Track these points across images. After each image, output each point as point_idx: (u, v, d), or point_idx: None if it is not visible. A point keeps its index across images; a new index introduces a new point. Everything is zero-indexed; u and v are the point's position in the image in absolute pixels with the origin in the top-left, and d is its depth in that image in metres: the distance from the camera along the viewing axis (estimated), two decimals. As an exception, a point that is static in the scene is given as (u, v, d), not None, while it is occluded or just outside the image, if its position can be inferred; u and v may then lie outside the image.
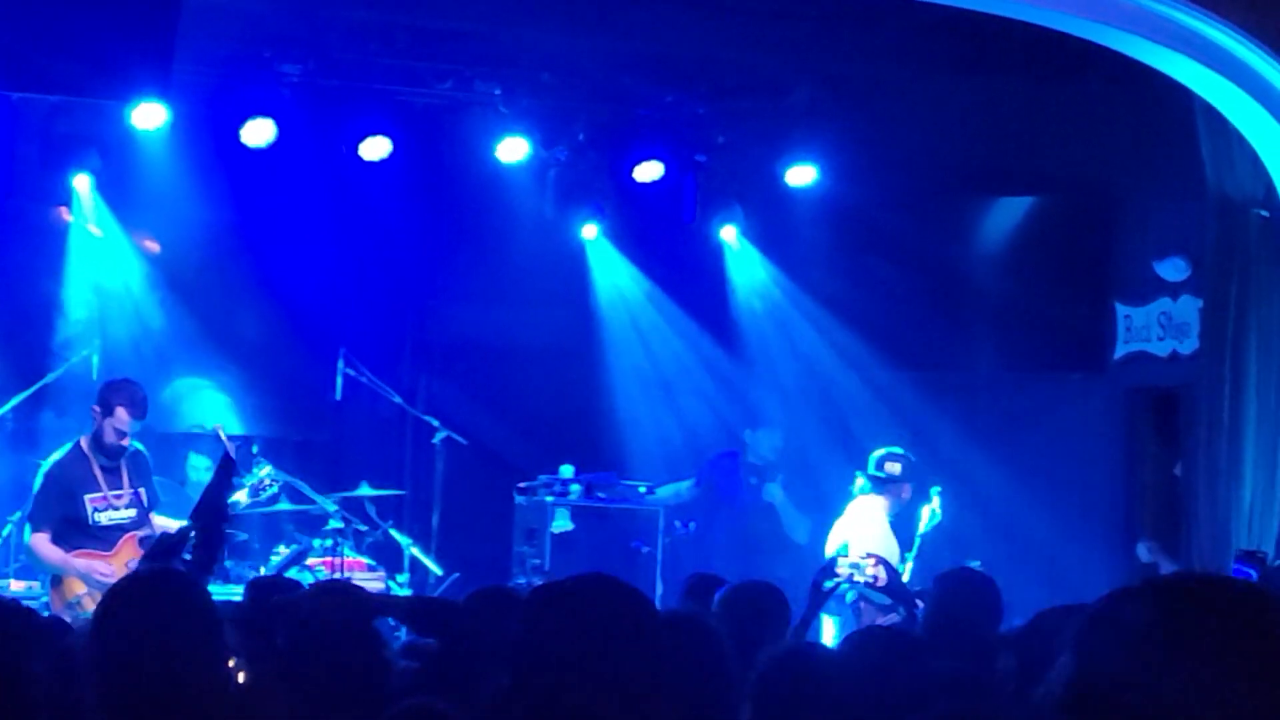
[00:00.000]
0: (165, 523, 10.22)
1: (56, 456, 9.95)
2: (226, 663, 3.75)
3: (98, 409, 9.85)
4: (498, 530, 12.26)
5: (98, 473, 9.85)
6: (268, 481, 10.50)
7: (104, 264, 12.52)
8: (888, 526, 10.62)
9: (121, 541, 9.82)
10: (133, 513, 9.91)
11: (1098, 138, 12.50)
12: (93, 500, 9.80)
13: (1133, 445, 12.59)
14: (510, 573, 11.88)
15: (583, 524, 11.89)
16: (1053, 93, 12.36)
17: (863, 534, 10.60)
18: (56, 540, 9.74)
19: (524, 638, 3.04)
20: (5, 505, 11.29)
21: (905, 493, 10.76)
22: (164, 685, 3.60)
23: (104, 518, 9.82)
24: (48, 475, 9.84)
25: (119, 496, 9.88)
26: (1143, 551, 11.50)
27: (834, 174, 12.89)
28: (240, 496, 10.41)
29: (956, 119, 12.66)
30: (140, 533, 9.92)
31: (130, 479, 9.94)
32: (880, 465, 10.80)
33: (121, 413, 9.78)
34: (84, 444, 9.90)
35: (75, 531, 9.77)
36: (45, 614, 10.22)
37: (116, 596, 3.86)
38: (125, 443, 9.85)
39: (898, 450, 10.87)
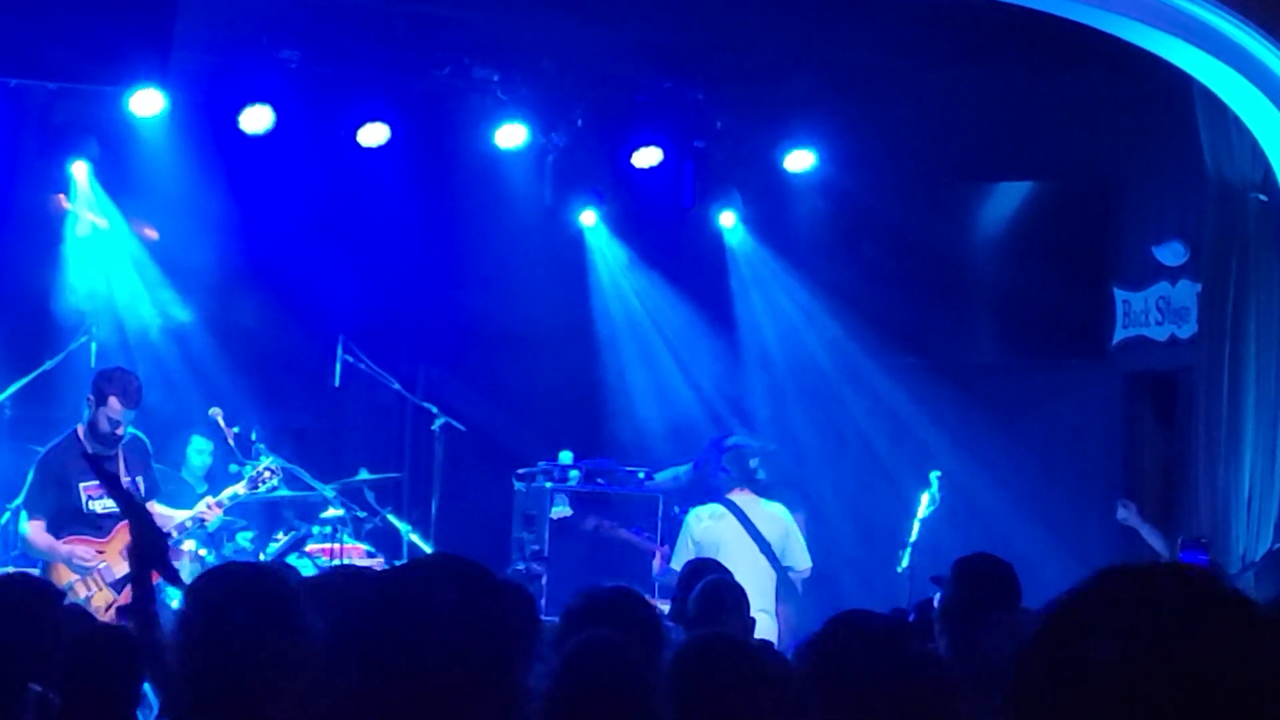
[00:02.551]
0: (164, 511, 10.22)
1: (52, 444, 9.96)
2: (305, 646, 3.85)
3: (91, 398, 9.85)
4: (497, 516, 12.28)
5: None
6: (268, 474, 10.50)
7: (102, 251, 12.51)
8: None
9: (116, 529, 9.82)
10: None
11: (1095, 123, 12.50)
12: (87, 488, 9.80)
13: (1132, 430, 12.59)
14: (509, 559, 11.90)
15: (581, 510, 11.90)
16: (1051, 78, 12.35)
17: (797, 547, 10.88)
18: (51, 528, 9.75)
19: (368, 625, 3.07)
20: (3, 494, 11.29)
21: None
22: (246, 672, 3.77)
23: (98, 505, 9.81)
24: (42, 463, 9.86)
25: None
26: (1121, 513, 11.50)
27: (832, 160, 12.89)
28: (239, 488, 10.42)
29: (955, 105, 12.66)
30: None
31: (127, 467, 9.94)
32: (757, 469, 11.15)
33: (114, 402, 9.78)
34: (80, 432, 9.90)
35: (70, 519, 9.77)
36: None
37: (198, 593, 4.03)
38: (119, 431, 9.84)
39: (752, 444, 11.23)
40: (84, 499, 9.80)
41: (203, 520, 10.25)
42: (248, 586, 3.94)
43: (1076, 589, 1.74)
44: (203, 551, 10.79)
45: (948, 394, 12.89)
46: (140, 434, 10.16)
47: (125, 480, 9.91)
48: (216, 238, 12.57)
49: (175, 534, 10.09)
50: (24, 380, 11.56)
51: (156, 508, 10.13)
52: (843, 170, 12.95)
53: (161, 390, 12.03)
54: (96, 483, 9.81)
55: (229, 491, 10.38)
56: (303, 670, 3.77)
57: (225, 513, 10.52)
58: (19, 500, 10.04)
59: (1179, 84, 10.70)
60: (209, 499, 10.37)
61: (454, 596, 3.03)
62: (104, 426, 9.80)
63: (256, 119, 11.62)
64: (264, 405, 12.46)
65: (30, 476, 9.86)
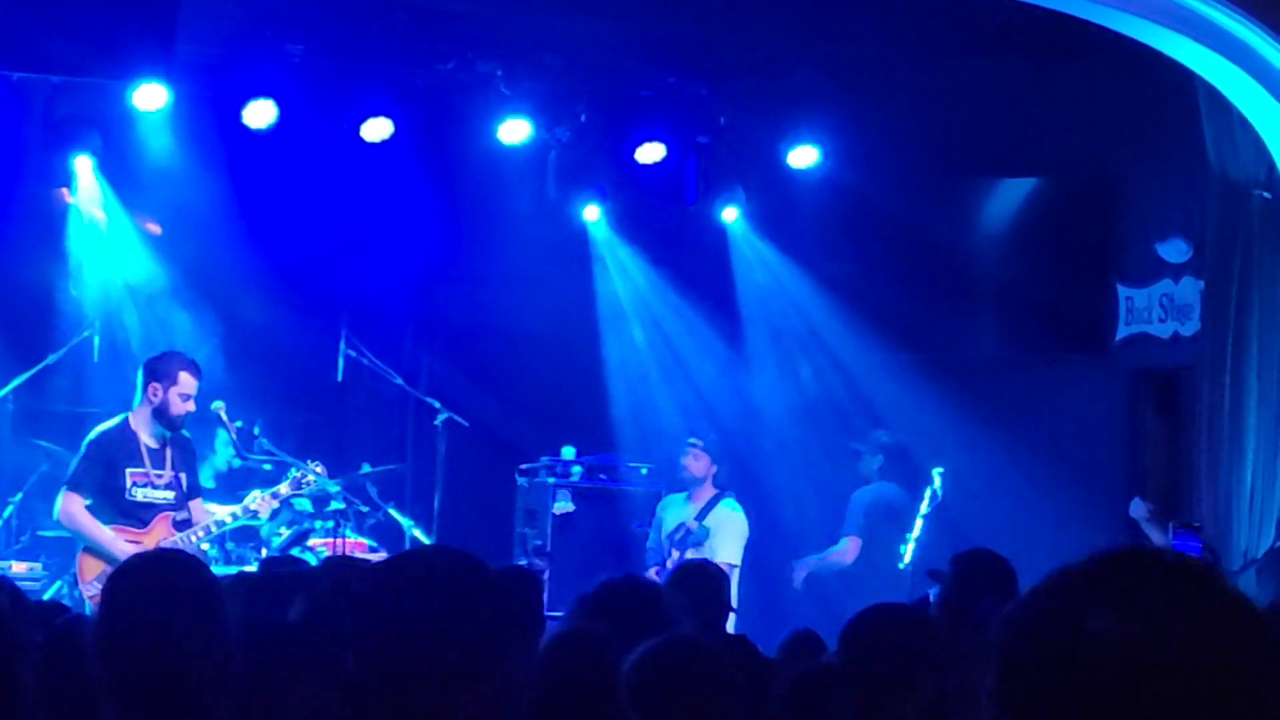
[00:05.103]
0: (204, 508, 10.21)
1: (104, 427, 9.90)
2: (227, 641, 3.81)
3: (157, 384, 9.77)
4: (499, 511, 12.28)
5: (144, 450, 9.83)
6: (310, 479, 10.50)
7: (105, 245, 12.51)
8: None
9: (156, 520, 9.80)
10: (170, 495, 9.88)
11: (1099, 119, 12.49)
12: (134, 474, 9.76)
13: (1134, 427, 12.58)
14: (512, 554, 11.90)
15: (584, 505, 11.91)
16: (1054, 74, 12.35)
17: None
18: (92, 511, 9.70)
19: (362, 615, 3.08)
20: (6, 487, 11.29)
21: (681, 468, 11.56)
22: (166, 664, 3.69)
23: (141, 494, 9.78)
24: (93, 443, 9.79)
25: (160, 475, 9.85)
26: (1136, 508, 11.48)
27: (836, 156, 12.88)
28: (283, 488, 10.39)
29: (959, 100, 12.65)
30: (176, 515, 9.90)
31: (174, 462, 9.92)
32: None
33: (185, 377, 9.76)
34: (133, 421, 9.86)
35: (110, 505, 9.72)
36: (45, 593, 10.27)
37: (121, 577, 3.96)
38: (191, 407, 9.83)
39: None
40: (129, 485, 9.76)
41: (256, 513, 10.23)
42: (168, 577, 3.88)
43: (1074, 563, 1.73)
44: (205, 546, 10.77)
45: (951, 390, 12.88)
46: (187, 433, 10.15)
47: (169, 475, 9.89)
48: (219, 232, 12.55)
49: (214, 529, 10.06)
50: (26, 374, 11.56)
51: (199, 504, 10.13)
52: (846, 166, 12.94)
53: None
54: (143, 470, 9.78)
55: (273, 490, 10.37)
56: (224, 662, 3.75)
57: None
58: (68, 474, 9.91)
59: (1183, 80, 10.69)
60: (257, 493, 10.32)
61: (445, 586, 3.04)
62: (177, 407, 9.75)
63: (260, 114, 11.61)
64: (266, 399, 12.47)
65: (79, 454, 9.81)
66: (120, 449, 9.77)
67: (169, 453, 9.90)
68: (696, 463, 11.58)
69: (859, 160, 12.92)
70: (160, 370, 9.83)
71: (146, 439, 9.84)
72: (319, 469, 10.58)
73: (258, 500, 10.21)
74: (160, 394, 9.76)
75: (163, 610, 3.74)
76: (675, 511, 11.54)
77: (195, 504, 10.08)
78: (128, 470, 9.75)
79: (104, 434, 9.86)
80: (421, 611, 3.00)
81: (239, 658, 3.90)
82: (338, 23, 11.67)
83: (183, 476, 9.96)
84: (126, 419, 9.90)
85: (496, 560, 11.27)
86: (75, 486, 9.71)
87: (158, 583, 3.83)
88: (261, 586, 4.60)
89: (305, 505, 11.19)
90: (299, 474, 10.46)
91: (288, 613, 4.17)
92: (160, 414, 9.78)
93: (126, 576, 3.93)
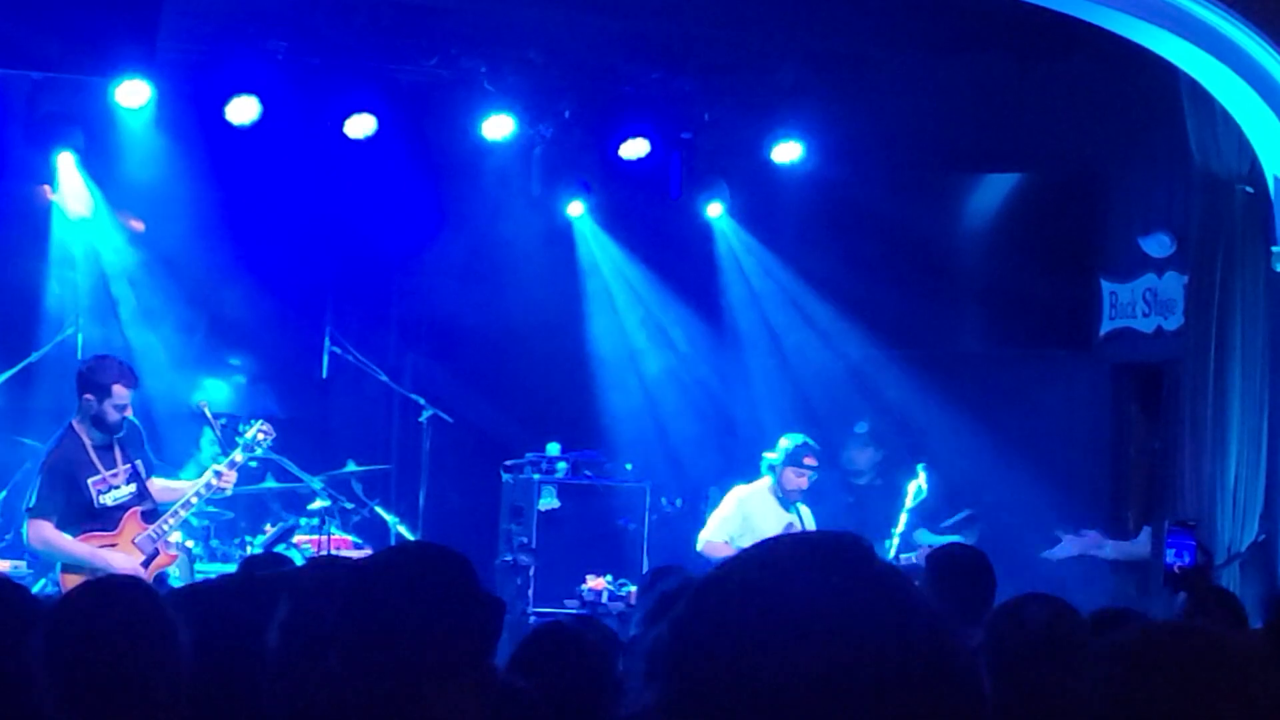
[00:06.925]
0: (168, 484, 10.17)
1: (52, 445, 9.80)
2: (179, 666, 3.77)
3: (90, 396, 9.69)
4: (484, 508, 12.27)
5: (93, 454, 9.75)
6: (261, 435, 10.38)
7: (88, 242, 12.48)
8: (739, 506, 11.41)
9: (124, 520, 9.76)
10: (132, 488, 9.84)
11: (1083, 115, 12.51)
12: (95, 483, 9.70)
13: (1118, 421, 12.61)
14: (497, 550, 11.90)
15: (569, 501, 11.91)
16: (1038, 70, 12.37)
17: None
18: (60, 526, 9.62)
19: (345, 613, 3.08)
20: (-9, 484, 11.26)
21: (788, 479, 11.30)
22: (117, 690, 3.68)
23: (108, 499, 9.74)
24: (49, 466, 9.65)
25: (115, 475, 9.80)
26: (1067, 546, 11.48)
27: (820, 151, 12.89)
28: (237, 455, 10.29)
29: (942, 96, 12.66)
30: (142, 507, 9.86)
31: (123, 454, 9.87)
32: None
33: (119, 389, 9.70)
34: (76, 426, 9.78)
35: (79, 516, 9.64)
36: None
37: (69, 605, 3.93)
38: (127, 414, 9.78)
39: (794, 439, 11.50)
40: (94, 495, 9.71)
41: (222, 489, 10.14)
42: (118, 600, 3.85)
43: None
44: (190, 543, 10.76)
45: (935, 385, 12.90)
46: (132, 418, 10.07)
47: (126, 467, 9.86)
48: (203, 229, 12.52)
49: (182, 513, 10.01)
50: (9, 372, 11.54)
51: (157, 484, 10.08)
52: (830, 161, 12.94)
53: (150, 382, 12.01)
54: (100, 476, 9.73)
55: (229, 458, 10.26)
56: (171, 684, 3.72)
57: (211, 504, 10.47)
58: (27, 503, 9.83)
59: (1166, 76, 10.71)
60: (216, 466, 10.22)
61: (428, 583, 3.04)
62: (113, 417, 9.69)
63: (243, 110, 11.59)
64: (251, 396, 12.45)
65: (39, 480, 9.67)
66: (74, 462, 9.69)
67: (117, 446, 9.85)
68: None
69: (843, 155, 12.93)
70: (92, 383, 9.73)
71: (93, 440, 9.77)
72: (265, 427, 10.48)
73: (214, 475, 10.09)
74: (94, 405, 9.71)
75: (112, 637, 3.72)
76: (775, 514, 11.34)
77: (153, 484, 10.03)
78: (89, 481, 9.69)
79: (55, 453, 9.73)
80: (404, 608, 3.00)
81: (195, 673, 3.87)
82: (321, 19, 11.65)
83: (138, 463, 9.91)
84: (71, 425, 9.81)
85: (482, 557, 11.30)
86: (42, 513, 9.60)
87: (103, 617, 3.79)
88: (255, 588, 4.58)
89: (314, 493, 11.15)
90: (248, 436, 10.34)
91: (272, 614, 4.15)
92: (97, 422, 9.73)
93: (74, 604, 3.91)
